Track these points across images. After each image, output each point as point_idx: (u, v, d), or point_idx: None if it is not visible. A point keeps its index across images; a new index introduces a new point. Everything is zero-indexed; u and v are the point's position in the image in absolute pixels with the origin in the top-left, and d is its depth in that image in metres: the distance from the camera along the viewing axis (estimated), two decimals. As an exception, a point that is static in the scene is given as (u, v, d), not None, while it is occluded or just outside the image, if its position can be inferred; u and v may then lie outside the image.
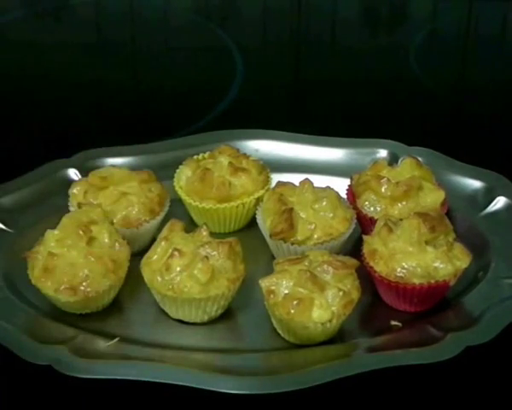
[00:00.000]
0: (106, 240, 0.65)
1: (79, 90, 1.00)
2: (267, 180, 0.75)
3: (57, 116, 0.95)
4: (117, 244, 0.65)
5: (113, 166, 0.74)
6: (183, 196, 0.74)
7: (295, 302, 0.60)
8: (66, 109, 0.97)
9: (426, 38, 1.19)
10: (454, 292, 0.66)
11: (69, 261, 0.63)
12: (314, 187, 0.71)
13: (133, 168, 0.74)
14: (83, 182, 0.72)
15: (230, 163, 0.73)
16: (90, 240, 0.64)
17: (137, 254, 0.67)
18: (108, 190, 0.70)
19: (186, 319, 0.64)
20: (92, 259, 0.63)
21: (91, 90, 1.00)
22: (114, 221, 0.69)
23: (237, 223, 0.74)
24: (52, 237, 0.64)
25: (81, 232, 0.64)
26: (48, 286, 0.62)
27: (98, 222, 0.66)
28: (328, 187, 0.72)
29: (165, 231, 0.66)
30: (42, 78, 1.04)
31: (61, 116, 0.95)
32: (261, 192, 0.73)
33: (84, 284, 0.62)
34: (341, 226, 0.69)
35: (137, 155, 0.79)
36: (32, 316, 0.64)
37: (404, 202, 0.70)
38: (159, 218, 0.71)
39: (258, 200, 0.73)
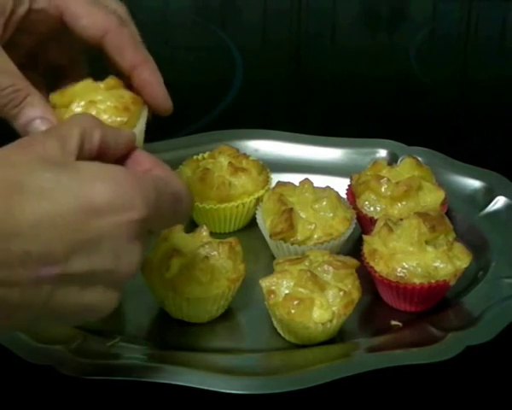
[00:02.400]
0: None
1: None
2: (267, 180, 0.75)
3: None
4: None
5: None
6: None
7: (296, 302, 0.60)
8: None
9: (426, 38, 1.19)
10: (454, 292, 0.66)
11: None
12: (314, 187, 0.71)
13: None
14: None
15: (230, 163, 0.73)
16: None
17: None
18: (73, 105, 0.62)
19: (186, 319, 0.64)
20: None
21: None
22: None
23: (237, 223, 0.74)
24: None
25: None
26: None
27: None
28: (328, 187, 0.71)
29: (165, 231, 0.66)
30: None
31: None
32: (261, 192, 0.73)
33: None
34: (341, 226, 0.69)
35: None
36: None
37: (404, 202, 0.70)
38: (140, 119, 0.63)
39: (258, 200, 0.73)
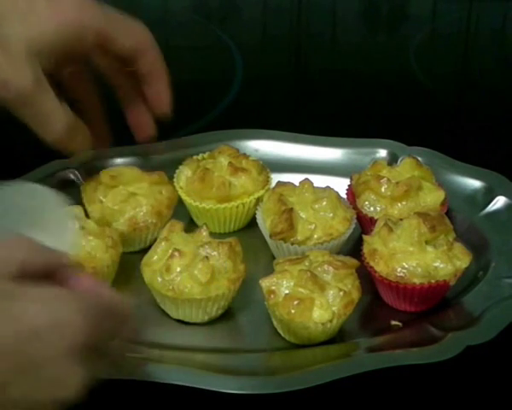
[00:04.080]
0: None
1: None
2: (267, 180, 0.75)
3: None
4: None
5: (125, 166, 0.75)
6: (183, 196, 0.73)
7: (296, 302, 0.60)
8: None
9: (426, 38, 1.19)
10: (454, 292, 0.66)
11: None
12: (314, 187, 0.71)
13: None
14: (94, 180, 0.72)
15: (230, 163, 0.73)
16: None
17: (138, 253, 0.67)
18: (117, 189, 0.70)
19: (186, 320, 0.64)
20: None
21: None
22: (121, 221, 0.69)
23: (237, 223, 0.74)
24: None
25: None
26: None
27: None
28: (328, 187, 0.71)
29: (165, 232, 0.66)
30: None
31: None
32: (261, 192, 0.73)
33: None
34: (341, 226, 0.69)
35: (137, 156, 0.79)
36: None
37: (403, 202, 0.70)
38: (165, 221, 0.70)
39: (259, 200, 0.73)
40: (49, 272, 0.48)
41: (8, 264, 0.46)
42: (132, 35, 0.66)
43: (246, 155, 0.76)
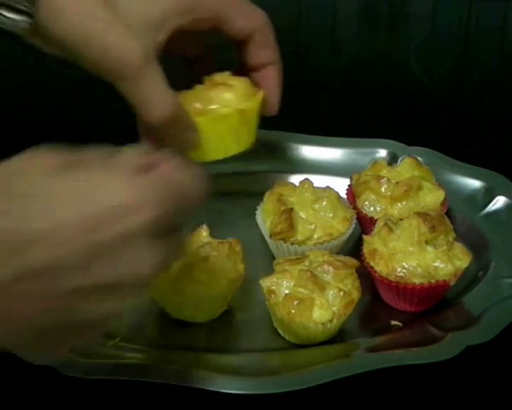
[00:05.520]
0: None
1: (80, 90, 1.00)
2: (255, 94, 0.64)
3: (57, 116, 0.95)
4: None
5: None
6: None
7: (296, 302, 0.60)
8: (67, 110, 0.96)
9: (426, 38, 1.19)
10: (454, 292, 0.66)
11: None
12: (314, 187, 0.71)
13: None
14: None
15: (208, 78, 0.64)
16: None
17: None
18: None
19: (186, 319, 0.64)
20: None
21: (91, 90, 1.00)
22: None
23: (222, 147, 0.64)
24: None
25: None
26: None
27: None
28: (328, 187, 0.72)
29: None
30: (41, 77, 1.04)
31: (62, 116, 0.95)
32: (246, 104, 0.62)
33: None
34: (341, 226, 0.69)
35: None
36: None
37: (403, 202, 0.70)
38: None
39: (244, 113, 0.63)
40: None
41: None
42: (250, 19, 0.63)
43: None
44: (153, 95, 0.57)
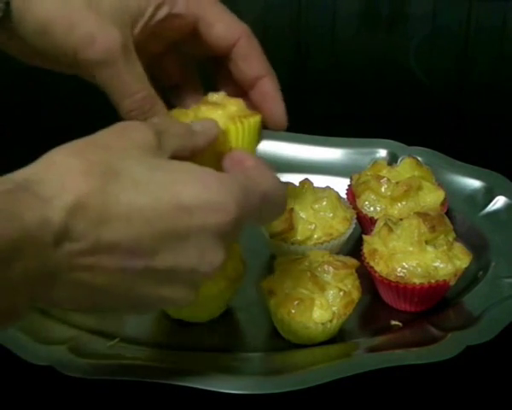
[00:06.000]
0: None
1: (80, 90, 1.00)
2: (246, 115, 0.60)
3: (58, 116, 0.95)
4: None
5: None
6: None
7: (296, 302, 0.60)
8: (67, 110, 0.96)
9: (426, 38, 1.19)
10: (454, 292, 0.66)
11: None
12: (314, 187, 0.71)
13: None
14: None
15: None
16: None
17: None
18: None
19: (186, 319, 0.64)
20: None
21: (92, 90, 1.00)
22: None
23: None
24: None
25: None
26: None
27: None
28: (328, 187, 0.72)
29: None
30: (41, 77, 1.04)
31: (62, 116, 0.95)
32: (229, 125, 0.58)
33: None
34: (341, 226, 0.69)
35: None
36: (32, 316, 0.63)
37: (403, 202, 0.70)
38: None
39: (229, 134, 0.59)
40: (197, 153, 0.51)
41: (166, 137, 0.48)
42: (230, 26, 0.61)
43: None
44: (130, 84, 0.57)
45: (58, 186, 0.42)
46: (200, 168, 0.47)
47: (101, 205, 0.43)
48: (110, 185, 0.43)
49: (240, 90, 0.62)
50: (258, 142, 0.63)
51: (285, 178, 0.75)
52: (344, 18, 1.26)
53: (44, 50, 0.57)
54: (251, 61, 0.61)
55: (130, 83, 0.57)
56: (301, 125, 0.88)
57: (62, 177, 0.43)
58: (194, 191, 0.46)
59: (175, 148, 0.49)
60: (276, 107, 0.62)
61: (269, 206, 0.52)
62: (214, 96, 0.61)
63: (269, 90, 0.62)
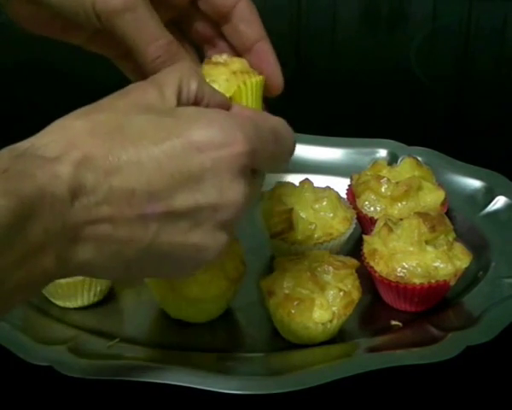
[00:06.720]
0: None
1: (81, 90, 1.00)
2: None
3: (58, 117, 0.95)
4: None
5: None
6: None
7: (296, 303, 0.60)
8: (68, 110, 0.96)
9: (426, 38, 1.19)
10: (454, 292, 0.66)
11: None
12: (314, 187, 0.71)
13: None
14: None
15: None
16: None
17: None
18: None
19: (186, 320, 0.64)
20: None
21: (92, 90, 1.00)
22: None
23: None
24: None
25: None
26: None
27: None
28: (328, 187, 0.71)
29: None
30: (42, 77, 1.04)
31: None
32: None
33: None
34: (341, 226, 0.69)
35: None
36: (32, 316, 0.64)
37: (404, 202, 0.70)
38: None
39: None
40: (201, 102, 0.50)
41: (167, 88, 0.48)
42: None
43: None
44: (150, 32, 0.56)
45: (64, 146, 0.42)
46: (207, 109, 0.47)
47: (109, 155, 0.43)
48: (116, 137, 0.44)
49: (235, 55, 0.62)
50: (262, 104, 0.62)
51: (285, 178, 0.75)
52: (344, 18, 1.26)
53: (61, 5, 0.56)
54: (251, 23, 0.61)
55: (154, 28, 0.56)
56: (301, 125, 0.88)
57: (68, 137, 0.43)
58: (204, 129, 0.45)
59: (176, 94, 0.49)
60: (274, 69, 0.62)
61: (280, 142, 0.51)
62: (218, 57, 0.61)
63: (267, 53, 0.61)
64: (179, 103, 0.48)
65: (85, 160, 0.42)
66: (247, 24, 0.61)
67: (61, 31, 0.60)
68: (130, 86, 0.50)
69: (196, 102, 0.50)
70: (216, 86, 0.57)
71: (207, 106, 0.51)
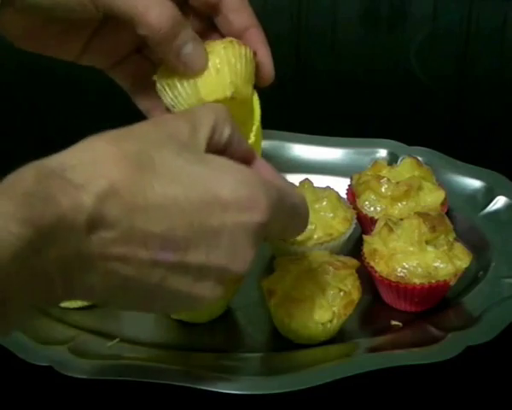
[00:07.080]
0: None
1: (81, 90, 1.00)
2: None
3: (58, 116, 0.95)
4: None
5: None
6: None
7: (296, 303, 0.60)
8: (68, 110, 0.96)
9: (426, 38, 1.19)
10: (454, 292, 0.66)
11: None
12: (314, 187, 0.71)
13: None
14: None
15: None
16: None
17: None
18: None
19: (186, 319, 0.64)
20: None
21: (92, 90, 1.00)
22: None
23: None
24: None
25: None
26: None
27: None
28: (328, 187, 0.71)
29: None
30: (42, 77, 1.04)
31: (63, 116, 0.95)
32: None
33: None
34: (341, 226, 0.69)
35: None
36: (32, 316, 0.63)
37: (404, 202, 0.70)
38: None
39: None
40: (230, 148, 0.50)
41: (201, 128, 0.48)
42: None
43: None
44: (151, 5, 0.55)
45: (92, 172, 0.41)
46: (238, 165, 0.47)
47: (135, 192, 0.42)
48: (145, 174, 0.43)
49: None
50: (253, 79, 0.61)
51: (285, 178, 0.75)
52: (344, 18, 1.26)
53: (54, 5, 0.55)
54: (240, 11, 0.60)
55: (150, 4, 0.55)
56: (301, 125, 0.88)
57: (96, 163, 0.42)
58: (232, 187, 0.45)
59: (208, 137, 0.48)
60: (265, 55, 0.61)
61: (296, 220, 0.52)
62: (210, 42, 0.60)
63: (257, 40, 0.60)
64: (209, 146, 0.48)
65: (111, 193, 0.41)
66: (236, 13, 0.60)
67: (56, 40, 0.59)
68: (163, 117, 0.49)
69: (225, 147, 0.49)
70: (214, 57, 0.57)
71: (234, 153, 0.50)
